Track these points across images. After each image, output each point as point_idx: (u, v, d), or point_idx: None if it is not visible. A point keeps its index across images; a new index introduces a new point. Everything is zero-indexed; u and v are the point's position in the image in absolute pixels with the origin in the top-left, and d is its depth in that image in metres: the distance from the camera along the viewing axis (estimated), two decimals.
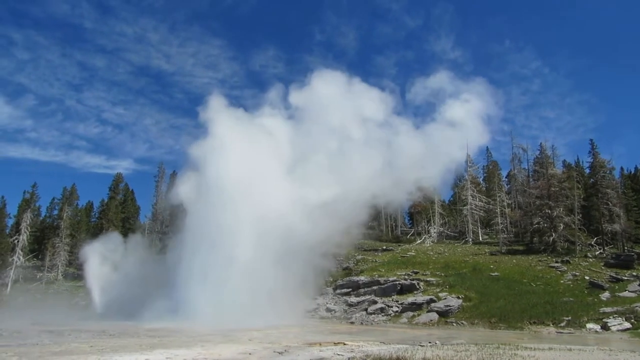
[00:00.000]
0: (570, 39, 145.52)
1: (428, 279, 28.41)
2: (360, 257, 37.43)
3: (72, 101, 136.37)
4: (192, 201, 29.40)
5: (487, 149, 55.26)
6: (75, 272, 43.91)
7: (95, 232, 47.58)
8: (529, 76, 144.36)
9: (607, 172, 37.61)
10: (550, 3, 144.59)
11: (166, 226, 48.15)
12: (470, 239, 42.56)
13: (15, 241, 44.62)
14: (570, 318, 20.03)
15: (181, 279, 25.29)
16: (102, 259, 34.27)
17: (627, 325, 18.42)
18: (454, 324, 21.87)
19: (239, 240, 25.45)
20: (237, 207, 26.57)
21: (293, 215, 27.48)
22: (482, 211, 45.51)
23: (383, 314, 24.99)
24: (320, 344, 12.73)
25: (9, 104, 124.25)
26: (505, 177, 53.72)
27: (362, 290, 28.35)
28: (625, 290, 23.26)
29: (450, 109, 38.98)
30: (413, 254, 37.17)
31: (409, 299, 25.70)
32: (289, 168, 30.27)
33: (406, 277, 29.08)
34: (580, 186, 38.30)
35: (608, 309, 20.37)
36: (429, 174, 36.29)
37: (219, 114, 31.06)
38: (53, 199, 53.77)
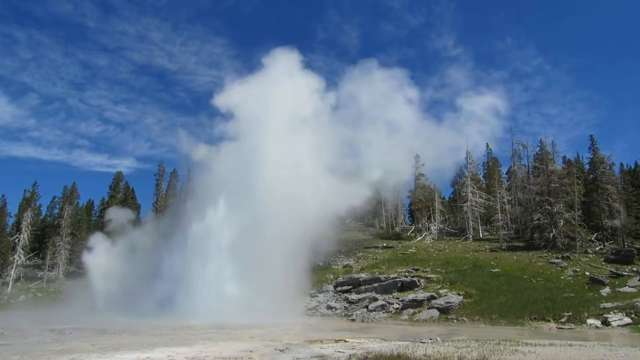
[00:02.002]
0: (571, 36, 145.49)
1: (428, 276, 28.42)
2: (360, 254, 37.49)
3: (75, 100, 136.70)
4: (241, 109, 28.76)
5: (487, 145, 55.23)
6: (76, 270, 43.95)
7: (96, 230, 47.56)
8: (531, 73, 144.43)
9: (607, 167, 37.61)
10: (552, 0, 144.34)
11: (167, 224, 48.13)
12: (471, 236, 42.58)
13: (16, 240, 44.66)
14: (570, 314, 20.04)
15: (184, 276, 25.34)
16: (105, 255, 34.33)
17: (628, 320, 18.43)
18: (455, 321, 21.89)
19: (250, 238, 25.40)
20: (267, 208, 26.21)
21: (315, 220, 27.17)
22: (482, 208, 45.53)
23: (384, 311, 25.01)
24: (321, 341, 12.75)
25: (11, 103, 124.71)
26: (506, 174, 53.71)
27: (362, 287, 28.37)
28: (626, 286, 23.26)
29: (463, 106, 39.34)
30: (413, 251, 37.20)
31: (410, 295, 25.71)
32: (325, 172, 29.71)
33: (407, 274, 29.12)
34: (580, 182, 38.29)
35: (608, 305, 20.38)
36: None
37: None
38: (54, 197, 53.85)
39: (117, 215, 36.45)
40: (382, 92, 36.50)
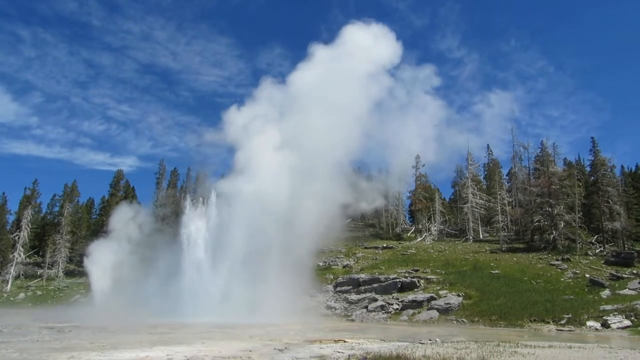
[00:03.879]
0: (575, 38, 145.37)
1: (428, 277, 28.41)
2: (360, 254, 37.49)
3: (78, 98, 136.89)
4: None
5: (488, 146, 55.12)
6: (76, 268, 43.99)
7: (96, 228, 47.60)
8: (534, 75, 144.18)
9: (608, 170, 37.56)
10: (556, 2, 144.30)
11: (167, 223, 48.09)
12: (471, 237, 42.55)
13: (16, 238, 44.68)
14: (570, 316, 20.02)
15: (184, 275, 25.35)
16: (106, 253, 34.35)
17: (627, 322, 18.40)
18: (454, 322, 21.88)
19: (249, 237, 25.34)
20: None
21: (320, 220, 26.80)
22: (482, 209, 45.50)
23: (383, 311, 25.00)
24: (320, 342, 12.74)
25: (15, 101, 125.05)
26: (506, 175, 53.67)
27: (362, 287, 28.36)
28: (626, 288, 23.25)
29: (465, 107, 39.25)
30: (414, 251, 37.18)
31: (410, 296, 25.70)
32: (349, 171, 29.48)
33: (407, 274, 29.10)
34: (581, 184, 38.25)
35: (608, 307, 20.35)
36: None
37: None
38: (54, 195, 53.88)
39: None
40: (403, 90, 35.93)
